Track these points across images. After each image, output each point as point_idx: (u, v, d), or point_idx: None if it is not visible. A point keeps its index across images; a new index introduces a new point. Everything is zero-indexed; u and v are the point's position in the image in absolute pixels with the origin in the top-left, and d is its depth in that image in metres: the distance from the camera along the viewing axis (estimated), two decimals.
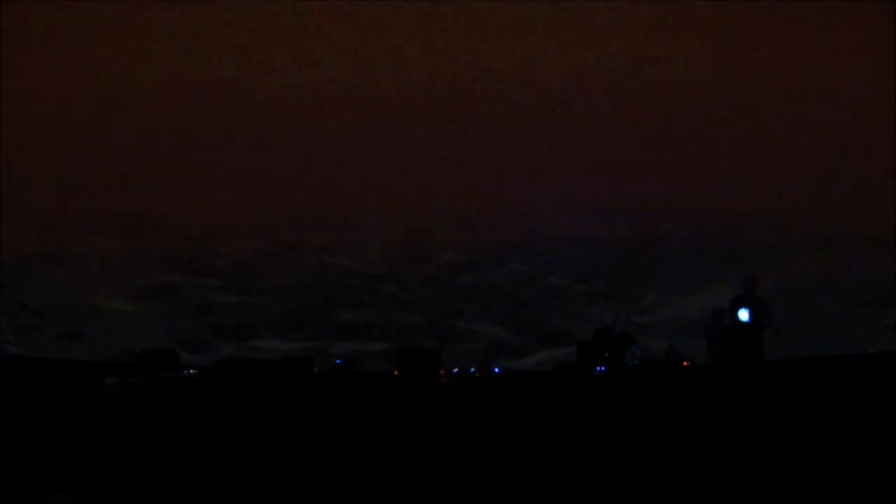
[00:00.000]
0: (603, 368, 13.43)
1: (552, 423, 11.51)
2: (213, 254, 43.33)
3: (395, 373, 25.56)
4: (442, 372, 26.38)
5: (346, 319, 33.75)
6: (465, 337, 38.43)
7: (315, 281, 41.14)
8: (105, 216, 44.77)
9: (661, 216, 45.13)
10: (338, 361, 28.64)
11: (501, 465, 7.55)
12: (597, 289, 37.71)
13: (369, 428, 11.11)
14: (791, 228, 46.11)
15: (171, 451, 8.62)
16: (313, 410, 14.23)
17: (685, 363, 24.35)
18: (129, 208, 46.65)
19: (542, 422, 11.85)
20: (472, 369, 34.33)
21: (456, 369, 32.08)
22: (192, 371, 22.23)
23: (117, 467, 7.47)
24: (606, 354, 13.16)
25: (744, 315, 9.42)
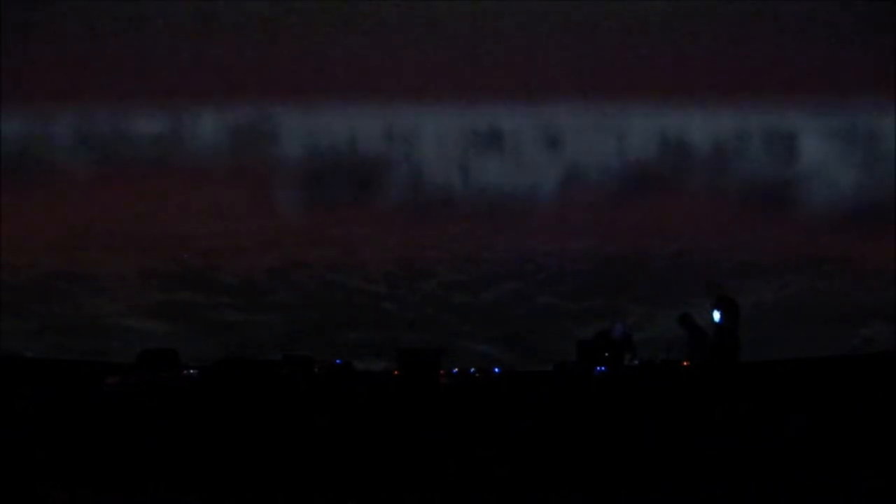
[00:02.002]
0: (603, 368, 13.45)
1: (552, 423, 11.51)
2: (222, 271, 43.69)
3: (396, 373, 25.56)
4: (442, 372, 26.37)
5: (349, 338, 33.88)
6: (461, 355, 39.08)
7: (319, 300, 41.30)
8: (117, 234, 45.20)
9: (648, 237, 45.37)
10: (338, 361, 28.58)
11: (501, 465, 7.55)
12: (585, 308, 37.83)
13: (369, 428, 11.11)
14: (769, 251, 46.89)
15: (171, 451, 8.62)
16: (313, 410, 14.23)
17: (685, 363, 24.28)
18: (140, 225, 47.11)
19: (542, 422, 11.85)
20: (472, 369, 34.25)
21: (456, 369, 32.03)
22: (192, 371, 22.21)
23: (117, 467, 7.47)
24: (606, 355, 13.19)
25: (716, 316, 9.56)
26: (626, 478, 6.87)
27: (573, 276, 41.07)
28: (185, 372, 21.50)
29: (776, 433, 9.17)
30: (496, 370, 33.85)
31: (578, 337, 20.04)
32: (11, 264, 39.92)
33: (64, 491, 6.49)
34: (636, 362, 14.08)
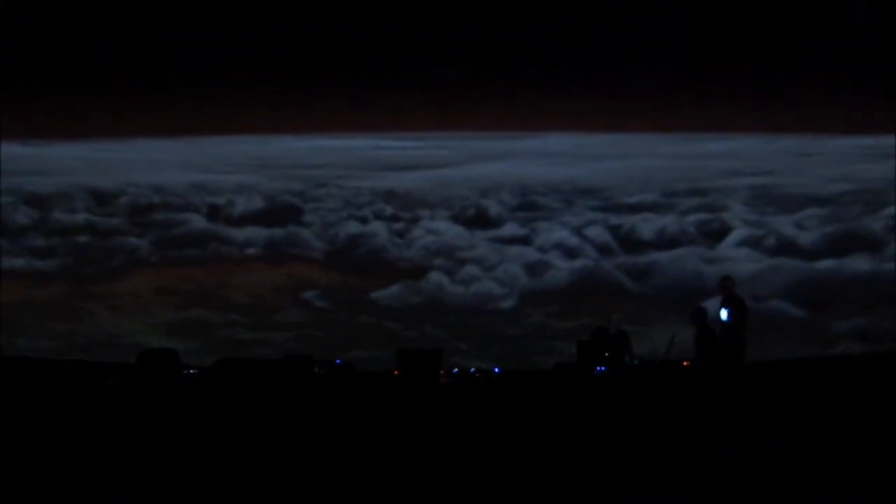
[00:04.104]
0: (603, 368, 13.44)
1: (552, 423, 11.51)
2: (232, 289, 45.88)
3: (396, 373, 25.51)
4: (442, 372, 26.31)
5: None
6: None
7: (325, 318, 43.50)
8: (130, 250, 47.27)
9: (638, 254, 47.66)
10: (338, 361, 28.53)
11: (501, 465, 7.55)
12: (576, 326, 39.36)
13: (369, 428, 11.11)
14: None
15: (171, 451, 8.61)
16: (313, 410, 14.22)
17: (685, 363, 24.27)
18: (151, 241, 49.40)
19: (542, 422, 11.85)
20: (472, 369, 34.21)
21: (456, 369, 31.97)
22: (192, 371, 22.21)
23: (117, 467, 7.47)
24: (606, 354, 13.17)
25: (723, 314, 9.54)
26: (627, 478, 6.87)
27: (561, 295, 43.38)
28: (185, 372, 21.50)
29: (777, 433, 9.18)
30: (496, 370, 33.81)
31: (576, 339, 20.19)
32: (31, 283, 41.70)
33: (64, 491, 6.50)
34: (636, 362, 14.07)
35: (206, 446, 9.03)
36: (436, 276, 44.42)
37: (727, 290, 9.62)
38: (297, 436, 10.16)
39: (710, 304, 10.71)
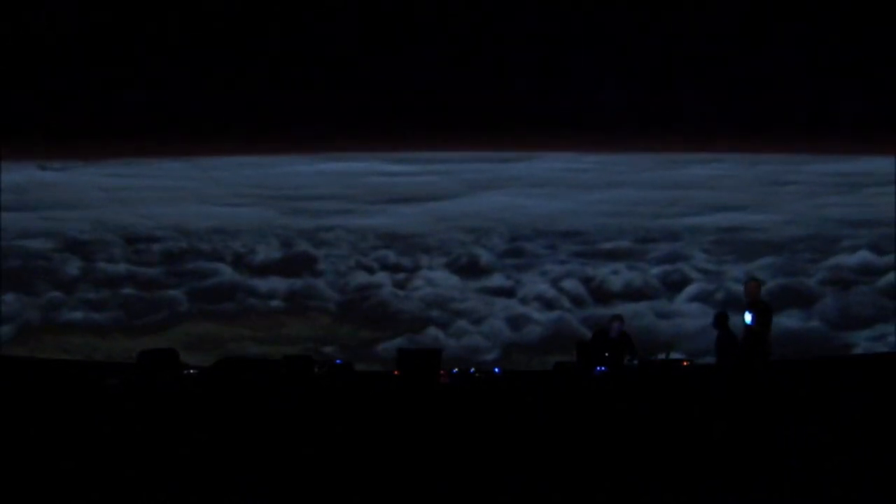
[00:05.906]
0: (603, 368, 13.44)
1: (553, 423, 11.51)
2: (239, 303, 48.55)
3: (396, 373, 25.52)
4: (442, 372, 26.33)
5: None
6: None
7: (329, 334, 46.26)
8: (172, 303, 50.19)
9: (606, 306, 51.17)
10: (338, 361, 28.55)
11: (502, 466, 7.56)
12: (571, 341, 41.72)
13: (369, 428, 11.11)
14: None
15: (171, 451, 8.62)
16: (313, 410, 14.23)
17: (685, 363, 24.32)
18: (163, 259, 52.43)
19: (542, 422, 11.86)
20: (472, 369, 34.30)
21: (456, 369, 32.04)
22: (192, 371, 22.19)
23: (117, 467, 7.47)
24: (606, 355, 13.17)
25: (747, 318, 9.64)
26: (628, 478, 6.88)
27: (535, 349, 46.68)
28: (185, 372, 21.47)
29: (778, 434, 9.19)
30: (496, 370, 33.88)
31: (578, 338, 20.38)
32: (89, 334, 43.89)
33: (64, 491, 6.50)
34: (635, 362, 14.08)
35: (206, 446, 9.03)
36: (432, 331, 47.94)
37: (752, 295, 9.69)
38: (297, 436, 10.17)
39: (733, 311, 10.88)
